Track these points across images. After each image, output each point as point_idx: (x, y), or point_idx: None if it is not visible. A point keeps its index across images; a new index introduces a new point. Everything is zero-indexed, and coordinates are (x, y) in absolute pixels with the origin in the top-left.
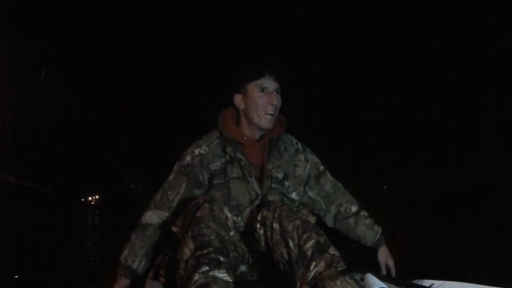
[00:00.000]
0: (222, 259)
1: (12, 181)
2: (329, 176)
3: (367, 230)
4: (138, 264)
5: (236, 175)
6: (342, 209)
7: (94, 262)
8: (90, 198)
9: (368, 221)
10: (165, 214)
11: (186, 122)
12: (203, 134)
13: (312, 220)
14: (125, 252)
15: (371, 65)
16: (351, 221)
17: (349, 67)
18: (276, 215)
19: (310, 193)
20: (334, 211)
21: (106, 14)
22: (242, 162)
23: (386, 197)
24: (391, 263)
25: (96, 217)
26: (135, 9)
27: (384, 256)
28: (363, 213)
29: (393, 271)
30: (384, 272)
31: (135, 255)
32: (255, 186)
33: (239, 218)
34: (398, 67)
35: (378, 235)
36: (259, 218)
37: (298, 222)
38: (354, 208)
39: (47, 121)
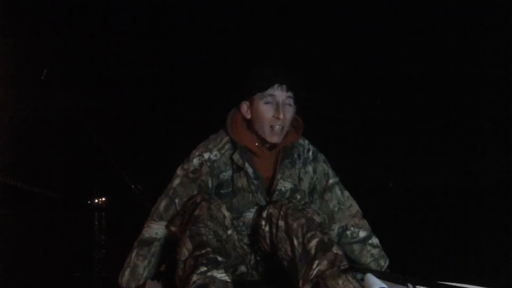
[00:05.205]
0: (220, 259)
1: (19, 186)
2: (337, 192)
3: (371, 262)
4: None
5: (242, 186)
6: (348, 232)
7: (102, 265)
8: (96, 201)
9: (376, 251)
10: None
11: (187, 122)
12: (203, 133)
13: (317, 218)
14: (126, 275)
15: (372, 65)
16: (356, 247)
17: (350, 66)
18: (281, 212)
19: (312, 207)
20: (337, 231)
21: (111, 13)
22: (248, 174)
23: (386, 197)
24: None
25: (103, 220)
26: (141, 11)
27: None
28: (373, 240)
29: None
30: None
31: (138, 280)
32: (262, 201)
33: (240, 223)
34: (398, 67)
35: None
36: (264, 215)
37: (303, 220)
38: (362, 234)
39: (50, 122)
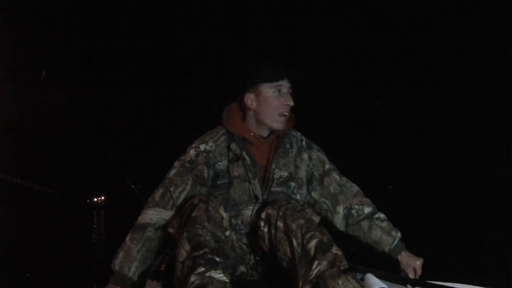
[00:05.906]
0: (218, 259)
1: (18, 182)
2: (335, 176)
3: (383, 235)
4: (135, 270)
5: (238, 174)
6: (353, 211)
7: (100, 264)
8: (95, 199)
9: (385, 224)
10: (167, 213)
11: (187, 121)
12: (204, 133)
13: (316, 219)
14: (119, 257)
15: (373, 65)
16: (364, 224)
17: (351, 66)
18: (280, 213)
19: (313, 194)
20: (342, 213)
21: (109, 13)
22: (246, 161)
23: (386, 197)
24: (418, 268)
25: (102, 219)
26: (139, 6)
27: (406, 262)
28: (379, 215)
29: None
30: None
31: (130, 261)
32: (257, 189)
33: (239, 221)
34: (399, 67)
35: (396, 241)
36: (263, 216)
37: (302, 221)
38: (367, 210)
39: (50, 122)
